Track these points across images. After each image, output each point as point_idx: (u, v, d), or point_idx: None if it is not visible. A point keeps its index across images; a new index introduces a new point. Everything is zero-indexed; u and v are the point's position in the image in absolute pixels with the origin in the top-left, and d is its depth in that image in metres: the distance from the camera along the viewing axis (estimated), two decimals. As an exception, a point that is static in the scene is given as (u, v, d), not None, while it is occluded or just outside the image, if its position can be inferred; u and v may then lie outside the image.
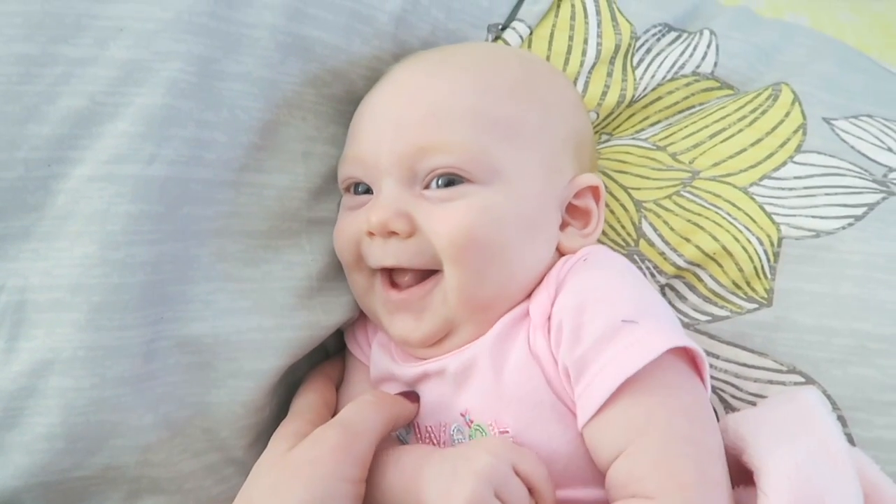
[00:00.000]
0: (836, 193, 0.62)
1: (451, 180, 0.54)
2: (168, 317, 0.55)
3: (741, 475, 0.51)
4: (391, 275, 0.58)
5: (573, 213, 0.60)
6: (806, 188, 0.62)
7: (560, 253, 0.58)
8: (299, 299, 0.60)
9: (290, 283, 0.60)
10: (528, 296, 0.56)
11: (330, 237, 0.62)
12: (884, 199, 0.61)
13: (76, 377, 0.52)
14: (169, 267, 0.55)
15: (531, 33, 0.71)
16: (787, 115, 0.66)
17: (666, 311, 0.54)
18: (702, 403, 0.50)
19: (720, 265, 0.61)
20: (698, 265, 0.62)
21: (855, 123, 0.66)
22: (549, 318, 0.53)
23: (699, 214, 0.63)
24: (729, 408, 0.60)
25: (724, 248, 0.61)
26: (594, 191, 0.60)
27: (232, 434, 0.58)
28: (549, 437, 0.51)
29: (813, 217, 0.61)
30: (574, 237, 0.59)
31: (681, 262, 0.62)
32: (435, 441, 0.55)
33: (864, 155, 0.64)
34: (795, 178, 0.63)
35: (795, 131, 0.65)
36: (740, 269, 0.61)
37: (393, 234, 0.54)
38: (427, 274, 0.56)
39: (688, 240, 0.62)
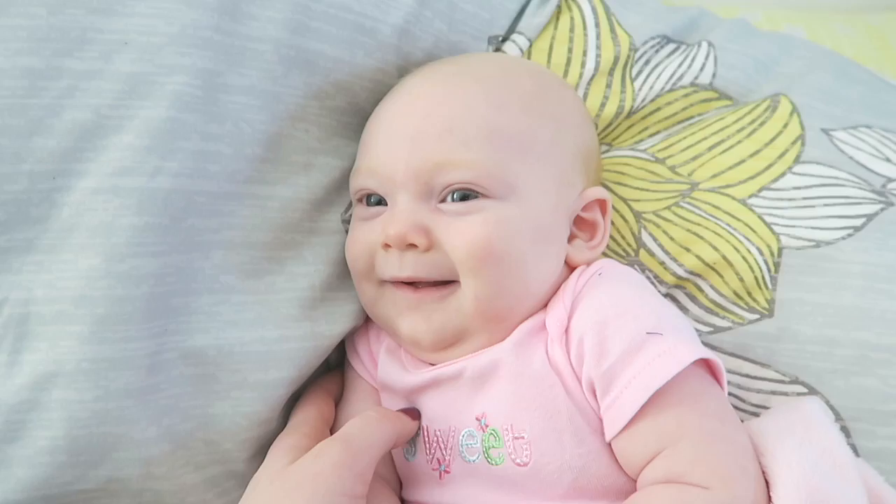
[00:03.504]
0: (835, 204, 0.62)
1: (465, 195, 0.55)
2: (172, 329, 0.55)
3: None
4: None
5: (580, 226, 0.60)
6: (805, 199, 0.63)
7: (567, 265, 0.59)
8: (302, 310, 0.60)
9: (293, 294, 0.60)
10: (544, 306, 0.57)
11: (332, 247, 0.63)
12: (882, 209, 0.62)
13: (79, 390, 0.52)
14: (173, 279, 0.55)
15: (531, 46, 0.71)
16: (785, 126, 0.66)
17: (685, 323, 0.55)
18: (728, 406, 0.52)
19: (720, 275, 0.62)
20: (698, 275, 0.62)
21: (853, 134, 0.67)
22: (567, 331, 0.53)
23: (698, 224, 0.63)
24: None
25: (724, 258, 0.61)
26: (601, 203, 0.61)
27: (234, 446, 0.58)
28: (562, 447, 0.51)
29: (813, 228, 0.61)
30: (581, 249, 0.59)
31: (681, 272, 0.63)
32: (442, 446, 0.56)
33: (862, 165, 0.64)
34: (794, 188, 0.63)
35: (794, 142, 0.66)
36: (741, 279, 0.61)
37: (411, 246, 0.55)
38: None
39: (687, 249, 0.63)
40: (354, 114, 0.64)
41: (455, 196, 0.55)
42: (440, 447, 0.56)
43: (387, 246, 0.55)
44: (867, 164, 0.64)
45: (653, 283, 0.63)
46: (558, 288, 0.57)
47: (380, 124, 0.60)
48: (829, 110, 0.68)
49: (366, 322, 0.65)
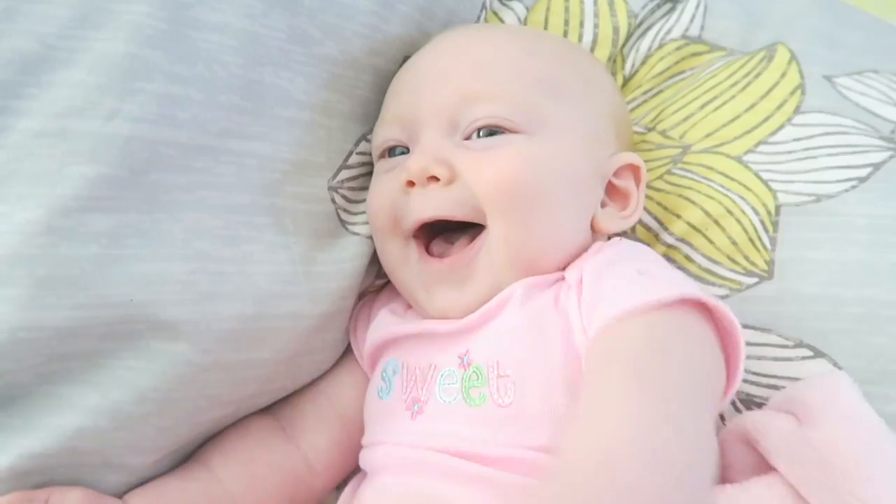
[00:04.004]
0: (838, 154, 0.60)
1: (492, 132, 0.55)
2: (140, 300, 0.49)
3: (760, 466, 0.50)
4: (428, 245, 0.57)
5: (612, 194, 0.60)
6: (806, 150, 0.61)
7: (595, 231, 0.58)
8: (284, 286, 0.55)
9: (272, 266, 0.55)
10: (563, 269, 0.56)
11: (316, 218, 0.59)
12: (891, 157, 0.60)
13: (18, 362, 0.47)
14: (133, 241, 0.49)
15: (528, 14, 0.71)
16: (782, 75, 0.65)
17: (687, 279, 0.55)
18: (697, 357, 0.48)
19: (706, 236, 0.60)
20: (683, 240, 0.61)
21: (859, 80, 0.65)
22: (580, 282, 0.53)
23: (689, 188, 0.62)
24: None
25: (714, 221, 0.60)
26: (635, 172, 0.60)
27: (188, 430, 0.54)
28: (549, 392, 0.49)
29: (813, 181, 0.59)
30: (612, 217, 0.59)
31: (670, 240, 0.61)
32: (419, 384, 0.54)
33: (868, 111, 0.62)
34: (794, 140, 0.61)
35: (793, 92, 0.64)
36: (733, 242, 0.59)
37: (433, 180, 0.54)
38: (469, 240, 0.55)
39: (678, 216, 0.61)
40: (349, 66, 0.60)
41: (481, 133, 0.55)
42: (417, 386, 0.54)
43: (409, 184, 0.54)
44: (874, 110, 0.63)
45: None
46: (578, 256, 0.56)
47: (406, 73, 0.60)
48: (832, 56, 0.66)
49: (368, 304, 0.64)
